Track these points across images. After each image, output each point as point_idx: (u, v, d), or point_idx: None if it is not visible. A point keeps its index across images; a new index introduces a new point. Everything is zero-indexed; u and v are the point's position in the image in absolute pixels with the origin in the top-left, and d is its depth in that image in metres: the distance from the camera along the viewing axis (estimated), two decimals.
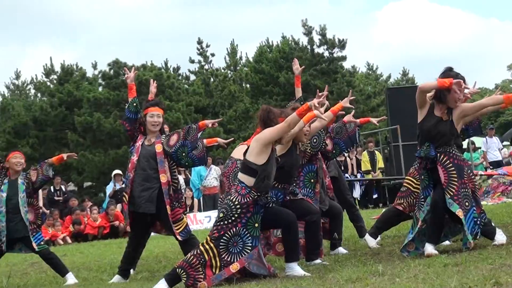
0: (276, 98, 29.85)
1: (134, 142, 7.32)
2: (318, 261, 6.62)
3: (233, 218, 5.65)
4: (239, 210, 5.65)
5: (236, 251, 5.63)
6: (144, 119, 7.31)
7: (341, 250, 7.48)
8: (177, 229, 7.09)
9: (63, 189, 17.97)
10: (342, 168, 17.32)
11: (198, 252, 5.64)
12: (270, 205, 5.83)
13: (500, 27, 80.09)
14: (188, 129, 7.23)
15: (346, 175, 17.00)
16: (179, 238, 7.09)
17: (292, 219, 5.94)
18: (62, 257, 11.36)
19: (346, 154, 17.81)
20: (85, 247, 13.24)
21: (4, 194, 7.77)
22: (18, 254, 8.83)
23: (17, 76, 39.43)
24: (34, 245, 7.72)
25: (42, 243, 7.84)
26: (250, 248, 5.65)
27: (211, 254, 5.61)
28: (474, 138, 21.95)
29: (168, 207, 7.06)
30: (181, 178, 16.65)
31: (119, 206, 15.56)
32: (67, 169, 26.28)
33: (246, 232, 5.65)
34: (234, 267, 5.62)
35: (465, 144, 19.53)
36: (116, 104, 27.06)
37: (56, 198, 17.52)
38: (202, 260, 5.60)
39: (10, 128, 28.60)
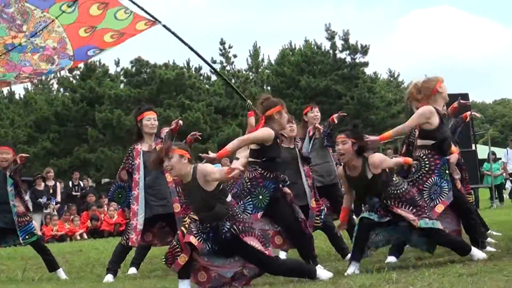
0: (297, 101, 29.78)
1: (131, 152, 7.46)
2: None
3: (243, 194, 6.05)
4: (249, 184, 6.07)
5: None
6: (140, 124, 7.46)
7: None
8: None
9: (82, 184, 17.98)
10: None
11: None
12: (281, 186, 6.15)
13: None
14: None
15: None
16: None
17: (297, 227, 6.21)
18: (77, 252, 11.44)
19: None
20: (100, 243, 13.26)
21: None
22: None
23: None
24: (20, 239, 7.76)
25: (29, 236, 7.82)
26: (249, 212, 5.96)
27: None
28: (495, 149, 21.77)
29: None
30: None
31: None
32: (86, 165, 26.39)
33: (250, 200, 6.02)
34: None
35: (485, 154, 19.37)
36: (137, 102, 27.13)
37: (73, 193, 17.58)
38: None
39: (31, 122, 28.79)
